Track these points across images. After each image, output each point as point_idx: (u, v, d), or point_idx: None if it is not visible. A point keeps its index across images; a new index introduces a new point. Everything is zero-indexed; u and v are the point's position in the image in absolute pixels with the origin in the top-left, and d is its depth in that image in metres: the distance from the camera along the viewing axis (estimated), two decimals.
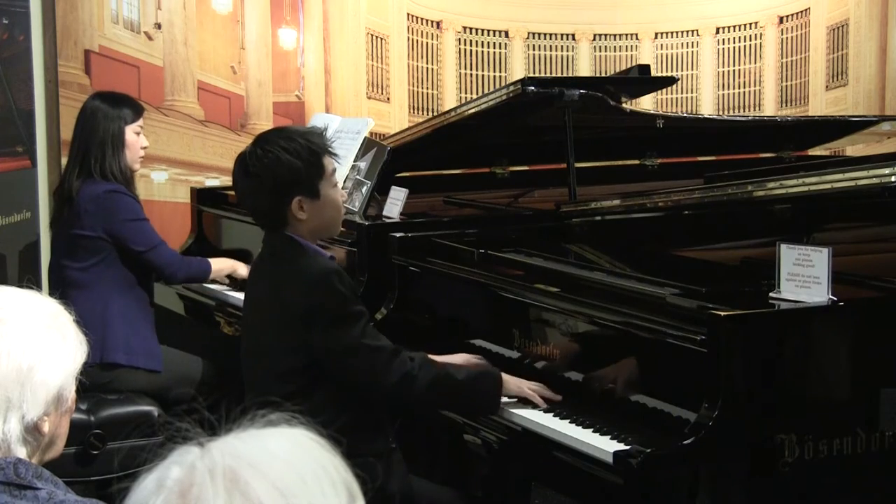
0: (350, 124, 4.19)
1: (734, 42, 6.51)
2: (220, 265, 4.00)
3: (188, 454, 1.08)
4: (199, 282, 4.08)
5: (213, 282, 4.12)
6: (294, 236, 2.71)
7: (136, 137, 3.78)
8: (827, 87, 6.40)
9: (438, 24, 6.18)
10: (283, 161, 2.64)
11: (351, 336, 2.62)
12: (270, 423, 1.15)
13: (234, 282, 4.10)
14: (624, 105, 4.19)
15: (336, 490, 1.09)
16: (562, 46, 6.41)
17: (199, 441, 1.11)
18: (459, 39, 6.23)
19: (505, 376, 2.78)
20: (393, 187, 3.86)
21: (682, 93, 6.46)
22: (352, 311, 2.64)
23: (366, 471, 1.16)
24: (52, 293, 1.78)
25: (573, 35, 6.41)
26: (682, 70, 6.45)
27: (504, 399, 2.80)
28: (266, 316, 2.74)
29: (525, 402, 2.79)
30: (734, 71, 6.51)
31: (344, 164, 3.88)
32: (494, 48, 6.32)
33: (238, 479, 1.05)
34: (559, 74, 6.32)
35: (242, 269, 4.03)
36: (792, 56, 6.46)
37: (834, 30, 6.36)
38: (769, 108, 6.48)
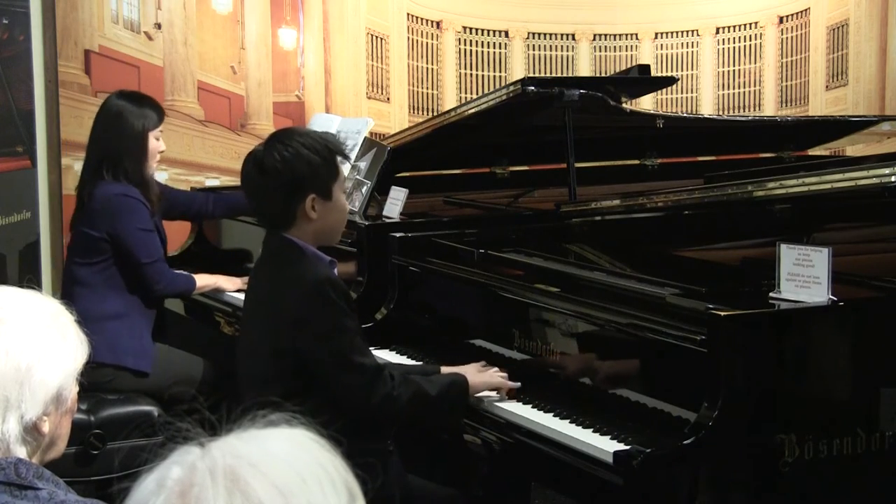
0: (350, 124, 4.19)
1: (734, 42, 6.51)
2: (204, 282, 3.99)
3: (188, 454, 1.08)
4: (182, 297, 4.08)
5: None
6: (294, 239, 2.70)
7: (156, 143, 3.76)
8: (827, 87, 6.40)
9: (438, 24, 6.18)
10: (302, 156, 2.65)
11: (339, 349, 2.62)
12: (271, 423, 1.15)
13: None
14: (624, 105, 4.19)
15: (336, 490, 1.09)
16: (562, 46, 6.41)
17: (200, 441, 1.11)
18: (459, 39, 6.23)
19: (471, 379, 2.80)
20: (393, 187, 3.86)
21: (682, 93, 6.46)
22: (342, 323, 2.63)
23: (365, 471, 1.16)
24: (62, 291, 1.78)
25: (573, 35, 6.41)
26: (682, 70, 6.45)
27: (505, 402, 2.81)
28: (262, 317, 2.74)
29: (525, 401, 2.80)
30: (734, 71, 6.51)
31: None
32: (494, 48, 6.32)
33: (238, 479, 1.05)
34: (559, 74, 6.32)
35: (225, 285, 4.02)
36: (792, 56, 6.46)
37: (834, 30, 6.36)
38: (769, 108, 6.48)
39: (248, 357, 2.79)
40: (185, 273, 3.97)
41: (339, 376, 2.63)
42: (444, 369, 2.96)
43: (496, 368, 2.91)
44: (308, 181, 2.66)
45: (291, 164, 2.64)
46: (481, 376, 2.85)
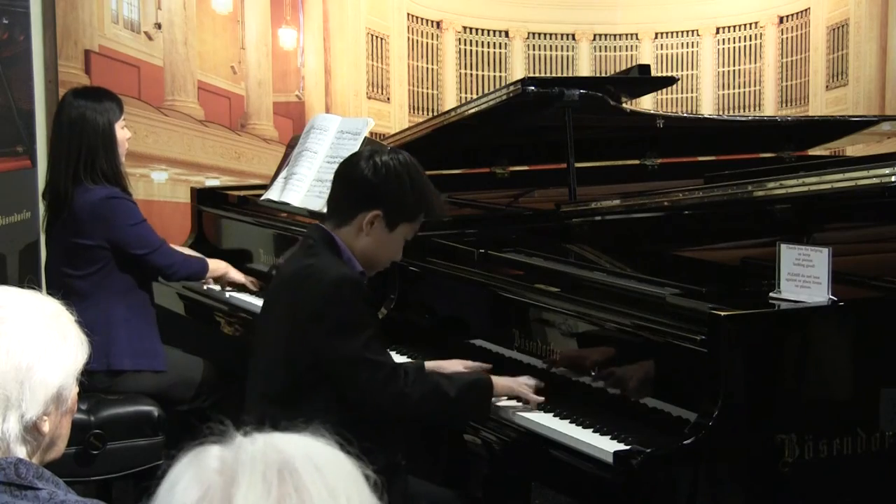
0: (350, 124, 4.19)
1: (734, 42, 6.51)
2: (215, 265, 3.99)
3: (227, 439, 1.10)
4: (195, 280, 4.06)
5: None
6: (335, 236, 2.70)
7: (122, 133, 3.71)
8: (827, 87, 6.40)
9: (438, 24, 6.18)
10: (402, 178, 2.69)
11: (352, 347, 2.59)
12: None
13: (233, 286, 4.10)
14: (624, 105, 4.19)
15: (366, 484, 1.10)
16: (562, 46, 6.41)
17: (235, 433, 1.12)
18: (459, 39, 6.23)
19: (495, 380, 2.77)
20: None
21: (682, 93, 6.46)
22: (357, 321, 2.61)
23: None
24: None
25: (573, 35, 6.41)
26: (682, 70, 6.45)
27: (504, 401, 2.81)
28: (282, 305, 2.72)
29: (524, 400, 2.79)
30: (734, 71, 6.51)
31: None
32: (494, 48, 6.32)
33: (280, 450, 1.06)
34: (559, 74, 6.32)
35: (233, 274, 4.02)
36: (792, 56, 6.46)
37: (834, 30, 6.36)
38: (769, 108, 6.48)
39: (265, 340, 2.76)
40: (198, 255, 3.96)
41: (351, 374, 2.60)
42: (429, 364, 2.91)
43: (527, 378, 2.85)
44: (386, 198, 2.68)
45: (388, 174, 2.68)
46: (507, 380, 2.80)
